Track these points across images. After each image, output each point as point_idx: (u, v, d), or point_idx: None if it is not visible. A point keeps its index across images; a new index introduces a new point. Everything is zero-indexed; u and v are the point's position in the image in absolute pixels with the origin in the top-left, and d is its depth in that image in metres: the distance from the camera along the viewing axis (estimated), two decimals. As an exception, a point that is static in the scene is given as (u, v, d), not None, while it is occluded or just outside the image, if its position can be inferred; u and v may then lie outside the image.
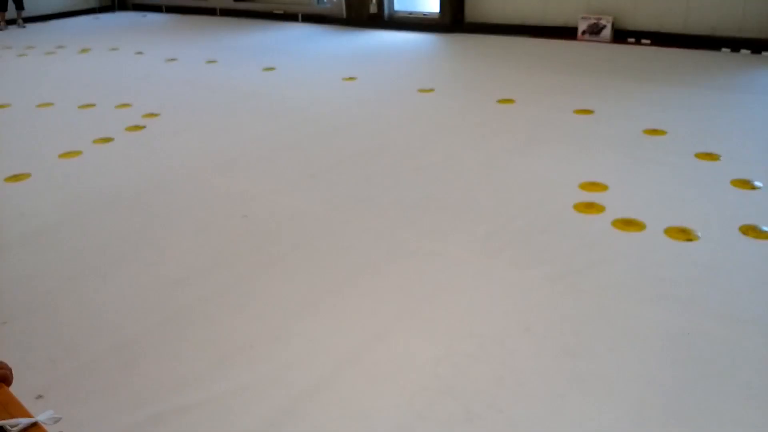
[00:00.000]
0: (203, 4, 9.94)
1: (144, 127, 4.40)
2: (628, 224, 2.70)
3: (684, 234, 2.60)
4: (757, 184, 3.03)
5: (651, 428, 1.67)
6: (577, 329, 2.06)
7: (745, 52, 5.70)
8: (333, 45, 7.15)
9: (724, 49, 5.81)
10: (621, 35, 6.43)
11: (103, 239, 2.83)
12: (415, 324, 2.14)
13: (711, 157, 3.37)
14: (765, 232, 2.59)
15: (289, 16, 8.95)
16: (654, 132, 3.78)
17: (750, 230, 2.61)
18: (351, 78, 5.53)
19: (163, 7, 10.60)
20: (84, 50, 7.46)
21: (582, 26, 6.56)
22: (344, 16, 8.30)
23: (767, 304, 2.13)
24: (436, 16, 7.59)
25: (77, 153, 3.92)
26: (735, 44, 5.78)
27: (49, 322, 2.24)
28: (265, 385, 1.89)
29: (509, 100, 4.58)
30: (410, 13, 7.95)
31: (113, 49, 7.42)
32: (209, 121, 4.49)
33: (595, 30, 6.49)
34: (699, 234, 2.59)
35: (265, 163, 3.64)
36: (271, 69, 6.02)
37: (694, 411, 1.71)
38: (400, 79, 5.45)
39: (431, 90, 5.02)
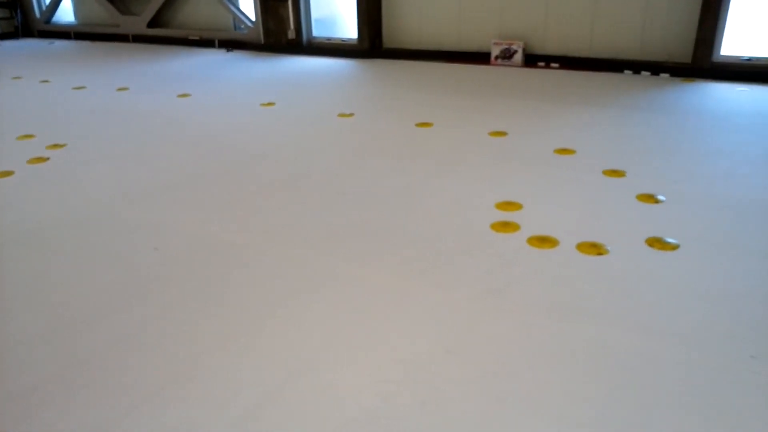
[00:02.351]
0: (114, 31, 9.63)
1: (48, 158, 4.16)
2: (543, 241, 2.77)
3: (595, 248, 2.69)
4: (661, 198, 3.20)
5: (571, 443, 1.69)
6: (499, 348, 2.08)
7: (645, 73, 6.06)
8: (250, 71, 7.08)
9: (626, 71, 6.17)
10: (531, 59, 6.70)
11: (2, 282, 2.63)
12: (339, 353, 2.10)
13: (617, 173, 3.54)
14: (670, 243, 2.72)
15: (204, 42, 8.81)
16: (564, 151, 3.93)
17: (656, 242, 2.73)
18: (269, 104, 5.47)
19: (72, 34, 10.19)
20: (-17, 79, 7.04)
21: (495, 51, 6.80)
22: (262, 42, 8.25)
23: (677, 314, 2.23)
24: (355, 42, 7.67)
25: (-27, 188, 3.65)
26: (636, 66, 6.15)
27: (-64, 375, 2.05)
28: (178, 430, 1.79)
29: (427, 124, 4.66)
30: (329, 39, 8.00)
31: (16, 78, 7.04)
32: (120, 151, 4.31)
33: (507, 55, 6.74)
34: (609, 248, 2.69)
35: (179, 193, 3.52)
36: (186, 95, 5.87)
37: (618, 424, 1.74)
38: (319, 105, 5.44)
39: (351, 115, 5.03)
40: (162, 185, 3.64)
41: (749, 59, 5.73)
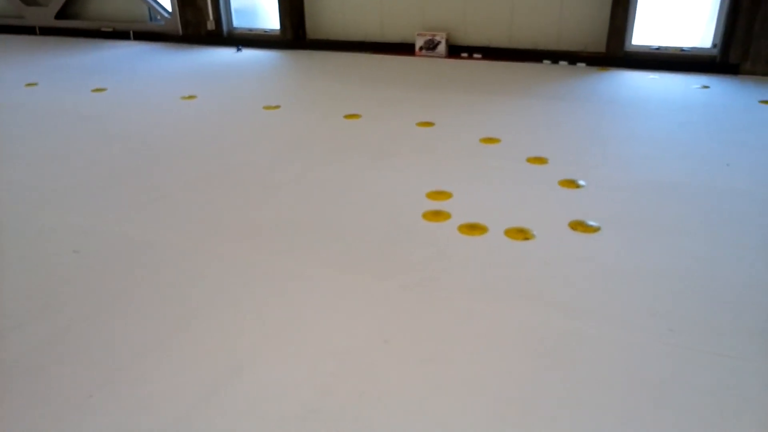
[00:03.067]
0: (18, 23, 9.04)
1: (-50, 160, 3.88)
2: (473, 228, 2.83)
3: (522, 234, 2.78)
4: (581, 183, 3.33)
5: (510, 424, 1.74)
6: (434, 335, 2.11)
7: (563, 63, 6.28)
8: (169, 63, 6.83)
9: (545, 61, 6.37)
10: (455, 50, 6.81)
11: None
12: (276, 350, 2.07)
13: (540, 161, 3.66)
14: (591, 226, 2.84)
15: (119, 34, 8.42)
16: (489, 140, 4.02)
17: (578, 225, 2.85)
18: (191, 97, 5.30)
19: (-30, 26, 9.50)
20: None
21: (419, 42, 6.86)
22: (180, 33, 7.98)
23: (602, 293, 2.33)
24: (278, 33, 7.54)
25: None
26: (554, 56, 6.36)
27: None
28: (110, 437, 1.72)
29: (356, 116, 4.65)
30: (250, 29, 7.83)
31: None
32: (32, 150, 4.06)
33: (431, 46, 6.81)
34: (535, 233, 2.79)
35: (99, 192, 3.36)
36: (102, 90, 5.61)
37: (549, 403, 1.81)
38: (243, 97, 5.32)
39: (277, 107, 4.95)
40: (79, 185, 3.46)
41: (658, 48, 6.04)
